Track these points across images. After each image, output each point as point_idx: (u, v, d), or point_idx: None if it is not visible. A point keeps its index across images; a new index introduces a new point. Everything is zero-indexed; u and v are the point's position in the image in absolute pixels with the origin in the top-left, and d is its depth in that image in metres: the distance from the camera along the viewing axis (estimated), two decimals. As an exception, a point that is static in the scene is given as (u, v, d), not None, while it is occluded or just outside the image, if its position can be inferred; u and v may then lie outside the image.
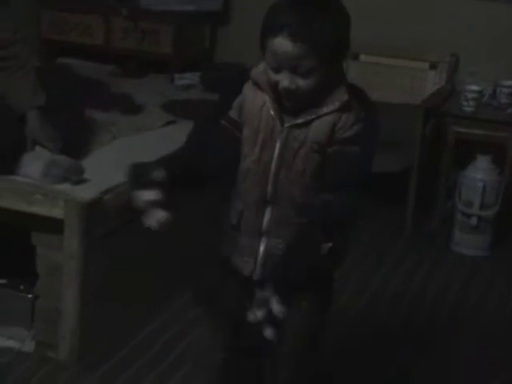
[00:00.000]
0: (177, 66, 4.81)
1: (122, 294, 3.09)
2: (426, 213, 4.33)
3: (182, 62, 4.87)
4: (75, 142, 3.38)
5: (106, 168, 3.29)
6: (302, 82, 1.94)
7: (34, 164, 3.09)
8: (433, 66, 4.63)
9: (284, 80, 1.94)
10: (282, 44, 1.90)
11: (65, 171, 3.06)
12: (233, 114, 2.12)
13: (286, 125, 2.02)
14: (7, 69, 3.21)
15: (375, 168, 4.05)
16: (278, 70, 1.94)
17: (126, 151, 3.50)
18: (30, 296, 3.05)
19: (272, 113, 2.02)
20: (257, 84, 2.04)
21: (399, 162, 4.19)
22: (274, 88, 1.98)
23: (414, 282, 3.77)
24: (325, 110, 1.98)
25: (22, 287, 3.10)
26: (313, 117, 2.00)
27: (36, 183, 3.02)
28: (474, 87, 4.23)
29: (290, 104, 2.00)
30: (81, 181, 3.08)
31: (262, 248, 2.09)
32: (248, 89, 2.09)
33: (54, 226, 2.91)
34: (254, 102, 2.05)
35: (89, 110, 3.83)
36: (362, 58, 4.74)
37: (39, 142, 3.16)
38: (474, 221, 4.04)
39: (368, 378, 2.99)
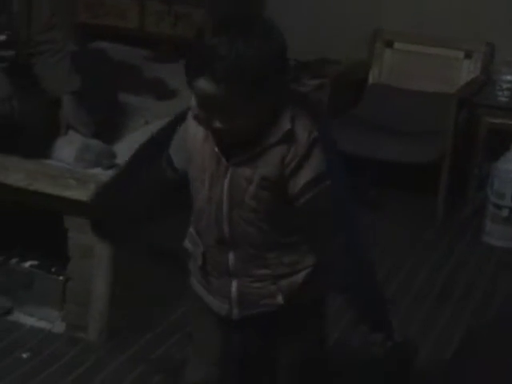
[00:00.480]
0: (210, 50, 4.82)
1: (152, 276, 3.12)
2: (458, 203, 4.32)
3: (215, 46, 4.87)
4: (108, 127, 3.41)
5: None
6: (234, 121, 1.78)
7: (67, 148, 3.13)
8: (468, 55, 4.59)
9: (214, 121, 1.78)
10: (204, 86, 1.76)
11: (97, 156, 3.10)
12: (172, 150, 2.00)
13: (232, 161, 1.85)
14: (44, 53, 3.24)
15: (408, 158, 4.10)
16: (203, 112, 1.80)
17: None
18: (61, 278, 3.11)
19: (216, 149, 1.86)
20: (197, 118, 1.87)
21: (432, 151, 4.18)
22: (209, 126, 1.82)
23: (443, 272, 3.77)
24: (268, 142, 1.81)
25: (53, 269, 3.16)
26: (257, 151, 1.83)
27: (69, 167, 3.06)
28: (510, 77, 4.20)
29: (229, 141, 1.84)
30: (112, 165, 3.11)
31: (233, 289, 1.97)
32: (189, 122, 1.92)
33: (85, 210, 2.95)
34: (196, 136, 1.90)
35: (122, 95, 3.86)
36: (396, 45, 4.71)
37: (73, 126, 3.19)
38: (505, 212, 4.01)
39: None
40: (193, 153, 1.91)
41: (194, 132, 1.90)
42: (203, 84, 1.76)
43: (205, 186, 1.90)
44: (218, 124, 1.78)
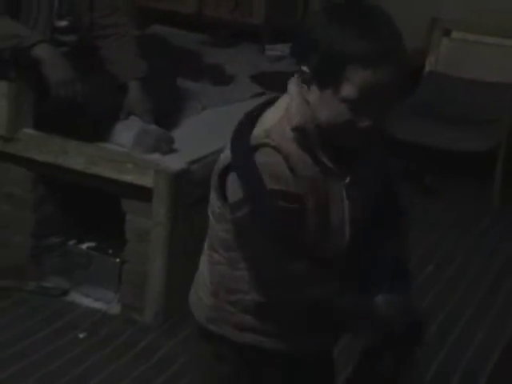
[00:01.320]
0: (268, 36, 4.83)
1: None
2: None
3: (273, 32, 4.87)
4: (166, 112, 3.46)
5: (194, 138, 3.37)
6: (383, 117, 1.62)
7: (126, 133, 3.18)
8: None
9: (364, 119, 1.57)
10: (387, 74, 1.54)
11: (155, 141, 3.14)
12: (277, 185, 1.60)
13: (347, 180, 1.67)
14: (109, 36, 3.30)
15: (464, 146, 4.08)
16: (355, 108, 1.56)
17: (215, 122, 3.58)
18: (117, 260, 3.17)
19: (331, 166, 1.64)
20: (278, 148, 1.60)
21: (488, 140, 4.16)
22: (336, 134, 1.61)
23: (497, 260, 3.75)
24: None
25: (110, 251, 3.22)
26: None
27: (127, 152, 3.11)
28: None
29: (356, 150, 1.67)
30: (170, 151, 3.16)
31: None
32: (287, 148, 1.61)
33: (143, 194, 3.01)
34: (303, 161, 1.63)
35: (180, 80, 3.91)
36: (454, 34, 4.69)
37: (136, 112, 3.24)
38: None
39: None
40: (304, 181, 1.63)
41: (297, 157, 1.62)
42: (386, 71, 1.53)
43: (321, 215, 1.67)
44: (368, 122, 1.57)
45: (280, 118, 1.66)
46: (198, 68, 4.22)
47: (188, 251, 3.08)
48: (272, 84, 4.08)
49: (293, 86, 1.72)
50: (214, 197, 1.72)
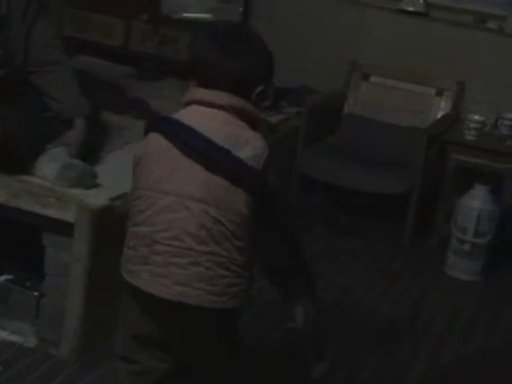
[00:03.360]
0: (193, 73, 4.92)
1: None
2: (425, 235, 4.46)
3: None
4: (90, 146, 3.49)
5: (117, 173, 3.39)
6: None
7: (50, 166, 3.16)
8: (439, 93, 4.77)
9: None
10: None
11: (79, 175, 3.14)
12: None
13: None
14: (50, 73, 3.32)
15: (379, 189, 4.23)
16: None
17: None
18: (35, 293, 3.15)
19: None
20: None
21: (402, 183, 4.32)
22: None
23: (406, 302, 3.87)
24: None
25: (28, 284, 3.20)
26: None
27: (50, 186, 3.11)
28: (477, 117, 4.34)
29: None
30: (93, 185, 3.18)
31: None
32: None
33: (64, 229, 3.02)
34: None
35: (104, 113, 3.94)
36: (372, 78, 4.87)
37: (70, 147, 3.27)
38: (467, 247, 4.13)
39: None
40: None
41: None
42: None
43: None
44: None
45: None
46: (122, 102, 4.25)
47: (107, 288, 3.11)
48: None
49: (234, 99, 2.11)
50: (242, 200, 2.05)
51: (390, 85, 4.81)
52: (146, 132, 2.17)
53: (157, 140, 2.11)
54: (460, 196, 4.22)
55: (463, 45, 4.80)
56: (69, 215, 3.02)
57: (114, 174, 3.36)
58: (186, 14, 4.93)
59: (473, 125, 4.30)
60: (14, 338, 3.15)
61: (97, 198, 3.09)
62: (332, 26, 4.86)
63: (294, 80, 4.90)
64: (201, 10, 4.95)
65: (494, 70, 4.74)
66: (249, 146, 2.07)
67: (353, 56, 4.74)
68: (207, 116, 2.08)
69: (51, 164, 3.18)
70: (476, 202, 4.12)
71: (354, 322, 3.61)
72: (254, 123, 2.14)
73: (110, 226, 3.07)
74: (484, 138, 4.34)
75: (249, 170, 2.05)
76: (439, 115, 4.74)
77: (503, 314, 3.87)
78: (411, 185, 4.33)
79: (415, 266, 4.27)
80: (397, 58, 4.84)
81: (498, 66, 4.73)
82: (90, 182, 3.18)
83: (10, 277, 3.26)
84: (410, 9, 4.94)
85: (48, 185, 3.13)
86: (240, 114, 2.11)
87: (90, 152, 3.45)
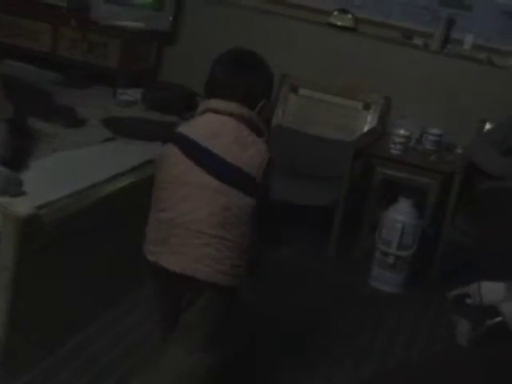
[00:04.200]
0: (121, 80, 4.91)
1: (53, 306, 3.18)
2: (350, 246, 4.52)
3: (126, 77, 4.96)
4: (16, 153, 3.46)
5: (44, 181, 3.37)
6: None
7: (-26, 173, 3.14)
8: (366, 107, 4.85)
9: None
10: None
11: (4, 183, 3.09)
12: None
13: None
14: None
15: (306, 200, 4.27)
16: None
17: (65, 165, 3.60)
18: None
19: None
20: None
21: (328, 195, 4.38)
22: None
23: (330, 313, 3.91)
24: None
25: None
26: None
27: (-25, 194, 3.07)
28: (402, 131, 4.42)
29: None
30: (19, 193, 3.13)
31: None
32: None
33: (-11, 237, 2.98)
34: None
35: (31, 120, 3.90)
36: (301, 91, 4.92)
37: None
38: (391, 259, 4.19)
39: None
40: None
41: None
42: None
43: None
44: None
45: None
46: (48, 108, 4.22)
47: (34, 296, 3.08)
48: (122, 129, 4.16)
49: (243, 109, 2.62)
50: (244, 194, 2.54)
51: (318, 98, 4.87)
52: (164, 142, 2.70)
53: (173, 148, 2.62)
54: (385, 209, 4.29)
55: (390, 60, 4.90)
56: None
57: (40, 182, 3.33)
58: (115, 22, 4.90)
59: (398, 139, 4.38)
60: None
61: (22, 206, 3.04)
62: (261, 38, 4.89)
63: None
64: (131, 17, 4.94)
65: (420, 85, 4.85)
66: (254, 147, 2.58)
67: (282, 68, 4.78)
68: (220, 122, 2.60)
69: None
70: (400, 215, 4.18)
71: (275, 331, 3.63)
72: (257, 130, 2.64)
73: (37, 234, 3.05)
74: (409, 153, 4.42)
75: (250, 182, 2.55)
76: (366, 129, 4.82)
77: (422, 327, 3.94)
78: (337, 197, 4.38)
79: (340, 277, 4.32)
80: (325, 72, 4.91)
81: (424, 82, 4.84)
82: (15, 189, 3.13)
83: None
84: (339, 23, 5.02)
85: (-28, 193, 3.09)
86: (246, 121, 2.61)
87: (16, 158, 3.40)
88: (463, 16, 4.94)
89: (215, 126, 2.60)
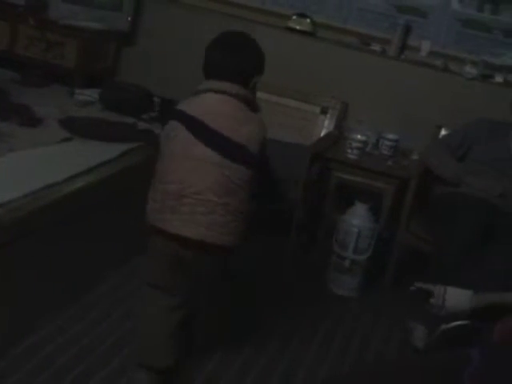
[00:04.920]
0: (78, 80, 4.88)
1: (7, 306, 3.15)
2: (308, 250, 4.55)
3: (84, 77, 4.94)
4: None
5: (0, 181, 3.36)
6: None
7: None
8: (324, 111, 4.88)
9: None
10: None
11: None
12: None
13: None
14: None
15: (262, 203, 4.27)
16: None
17: (21, 165, 3.57)
18: None
19: None
20: None
21: (285, 199, 4.38)
22: None
23: (286, 316, 3.92)
24: None
25: None
26: None
27: None
28: (359, 136, 4.45)
29: None
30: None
31: None
32: None
33: None
34: None
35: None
36: (259, 94, 4.86)
37: None
38: (347, 263, 4.22)
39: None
40: None
41: None
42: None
43: None
44: None
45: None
46: (5, 107, 4.18)
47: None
48: (79, 129, 4.13)
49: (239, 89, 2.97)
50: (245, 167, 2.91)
51: (275, 101, 4.89)
52: (167, 119, 3.01)
53: (177, 125, 2.92)
54: (341, 213, 4.32)
55: (348, 65, 4.94)
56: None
57: (-4, 182, 3.32)
58: (74, 22, 4.87)
59: (355, 144, 4.41)
60: None
61: (-23, 207, 3.03)
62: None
63: (181, 93, 4.91)
64: (89, 17, 4.92)
65: (377, 91, 4.90)
66: (252, 122, 2.97)
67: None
68: (219, 100, 2.94)
69: None
70: (356, 219, 4.21)
71: (235, 333, 3.64)
72: (252, 106, 3.02)
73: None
74: (365, 158, 4.46)
75: (249, 156, 2.92)
76: (323, 133, 4.85)
77: (376, 330, 3.98)
78: (294, 200, 4.40)
79: (297, 280, 4.34)
80: (283, 76, 4.93)
81: (381, 87, 4.89)
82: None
83: None
84: (298, 27, 5.05)
85: None
86: (242, 98, 2.96)
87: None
88: (420, 23, 5.00)
89: (215, 105, 2.94)
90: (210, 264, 2.99)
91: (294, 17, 5.09)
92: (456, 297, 2.57)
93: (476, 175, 4.13)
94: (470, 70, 4.81)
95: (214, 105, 2.94)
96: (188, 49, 5.13)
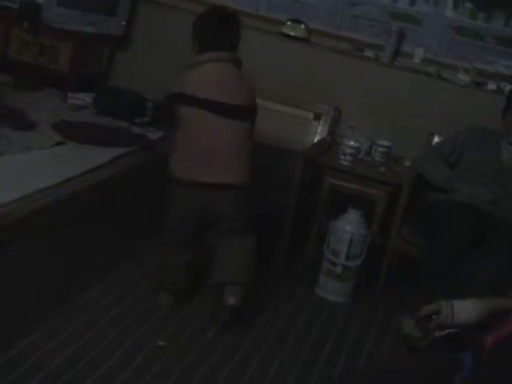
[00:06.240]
0: (72, 84, 4.88)
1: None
2: (298, 256, 4.54)
3: (77, 81, 4.93)
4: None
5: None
6: None
7: None
8: (317, 117, 4.89)
9: None
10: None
11: None
12: None
13: None
14: None
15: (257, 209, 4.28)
16: None
17: (14, 169, 3.57)
18: None
19: None
20: None
21: (277, 204, 4.39)
22: None
23: (275, 323, 3.93)
24: None
25: None
26: None
27: None
28: (352, 142, 4.46)
29: None
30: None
31: None
32: None
33: None
34: None
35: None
36: (253, 100, 4.92)
37: None
38: (338, 269, 4.21)
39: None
40: None
41: None
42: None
43: None
44: None
45: None
46: (-1, 111, 4.18)
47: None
48: (72, 133, 4.13)
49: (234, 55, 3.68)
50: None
51: (268, 107, 4.87)
52: (178, 103, 3.64)
53: (190, 108, 3.60)
54: (333, 219, 4.32)
55: (341, 71, 4.95)
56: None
57: (-12, 185, 3.31)
58: (68, 26, 4.87)
59: (348, 150, 4.41)
60: None
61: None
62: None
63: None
64: (83, 21, 4.91)
65: (370, 97, 4.90)
66: (247, 79, 3.68)
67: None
68: (221, 67, 3.60)
69: None
70: (348, 226, 4.21)
71: (223, 340, 3.65)
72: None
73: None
74: (358, 164, 4.46)
75: (253, 112, 3.73)
76: (316, 139, 4.85)
77: (367, 337, 3.98)
78: (286, 206, 4.40)
79: (287, 286, 4.34)
80: (276, 81, 4.94)
81: (374, 94, 4.90)
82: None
83: None
84: (292, 33, 5.05)
85: None
86: (237, 63, 3.65)
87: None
88: (413, 30, 5.01)
89: (218, 73, 3.59)
90: (244, 199, 3.67)
91: (289, 23, 5.09)
92: (464, 309, 2.55)
93: (467, 182, 4.15)
94: (462, 77, 4.82)
95: (218, 73, 3.58)
96: (182, 54, 5.11)
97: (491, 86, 4.83)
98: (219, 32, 3.60)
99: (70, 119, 4.39)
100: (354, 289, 4.32)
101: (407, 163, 4.59)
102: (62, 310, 3.52)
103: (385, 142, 4.56)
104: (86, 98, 4.75)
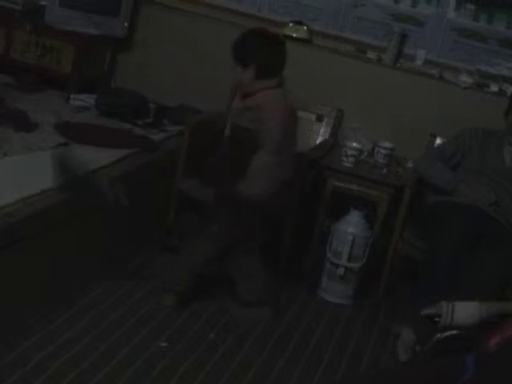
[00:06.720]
0: (74, 85, 4.88)
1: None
2: (301, 257, 4.53)
3: (79, 82, 4.93)
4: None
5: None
6: None
7: None
8: (319, 119, 4.88)
9: None
10: None
11: None
12: None
13: None
14: None
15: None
16: None
17: (16, 170, 3.57)
18: None
19: None
20: None
21: (279, 206, 4.38)
22: None
23: (279, 323, 3.93)
24: None
25: None
26: None
27: None
28: (355, 144, 4.46)
29: None
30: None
31: None
32: None
33: None
34: None
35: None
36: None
37: None
38: (341, 271, 4.22)
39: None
40: None
41: None
42: None
43: None
44: None
45: None
46: (0, 112, 4.18)
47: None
48: (75, 135, 4.14)
49: None
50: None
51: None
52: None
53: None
54: (336, 221, 4.32)
55: (344, 73, 4.95)
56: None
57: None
58: (70, 27, 4.87)
59: (350, 152, 4.41)
60: None
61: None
62: (215, 47, 4.91)
63: (176, 99, 4.94)
64: (86, 23, 4.91)
65: (372, 99, 4.90)
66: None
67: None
68: (282, 93, 3.84)
69: None
70: (351, 227, 4.21)
71: (227, 340, 3.65)
72: None
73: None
74: (360, 166, 4.46)
75: None
76: (318, 141, 4.85)
77: (369, 339, 3.98)
78: (288, 207, 4.39)
79: (289, 287, 4.33)
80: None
81: (376, 95, 4.89)
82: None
83: None
84: (294, 35, 5.05)
85: None
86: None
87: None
88: (415, 32, 5.01)
89: (281, 97, 3.81)
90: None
91: (291, 24, 5.09)
92: (465, 311, 2.54)
93: (469, 184, 4.14)
94: (465, 78, 4.82)
95: (281, 98, 3.81)
96: (184, 55, 5.14)
97: (493, 87, 4.82)
98: (279, 58, 3.80)
99: (73, 120, 4.39)
100: (357, 290, 4.31)
101: (409, 165, 4.59)
102: (64, 312, 3.52)
103: (387, 144, 4.56)
104: (88, 99, 4.75)
